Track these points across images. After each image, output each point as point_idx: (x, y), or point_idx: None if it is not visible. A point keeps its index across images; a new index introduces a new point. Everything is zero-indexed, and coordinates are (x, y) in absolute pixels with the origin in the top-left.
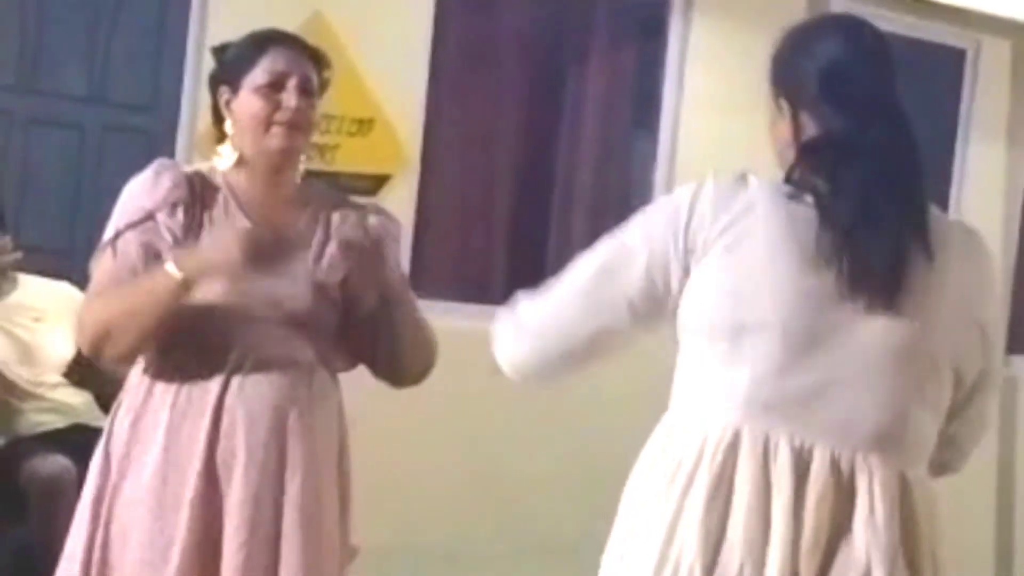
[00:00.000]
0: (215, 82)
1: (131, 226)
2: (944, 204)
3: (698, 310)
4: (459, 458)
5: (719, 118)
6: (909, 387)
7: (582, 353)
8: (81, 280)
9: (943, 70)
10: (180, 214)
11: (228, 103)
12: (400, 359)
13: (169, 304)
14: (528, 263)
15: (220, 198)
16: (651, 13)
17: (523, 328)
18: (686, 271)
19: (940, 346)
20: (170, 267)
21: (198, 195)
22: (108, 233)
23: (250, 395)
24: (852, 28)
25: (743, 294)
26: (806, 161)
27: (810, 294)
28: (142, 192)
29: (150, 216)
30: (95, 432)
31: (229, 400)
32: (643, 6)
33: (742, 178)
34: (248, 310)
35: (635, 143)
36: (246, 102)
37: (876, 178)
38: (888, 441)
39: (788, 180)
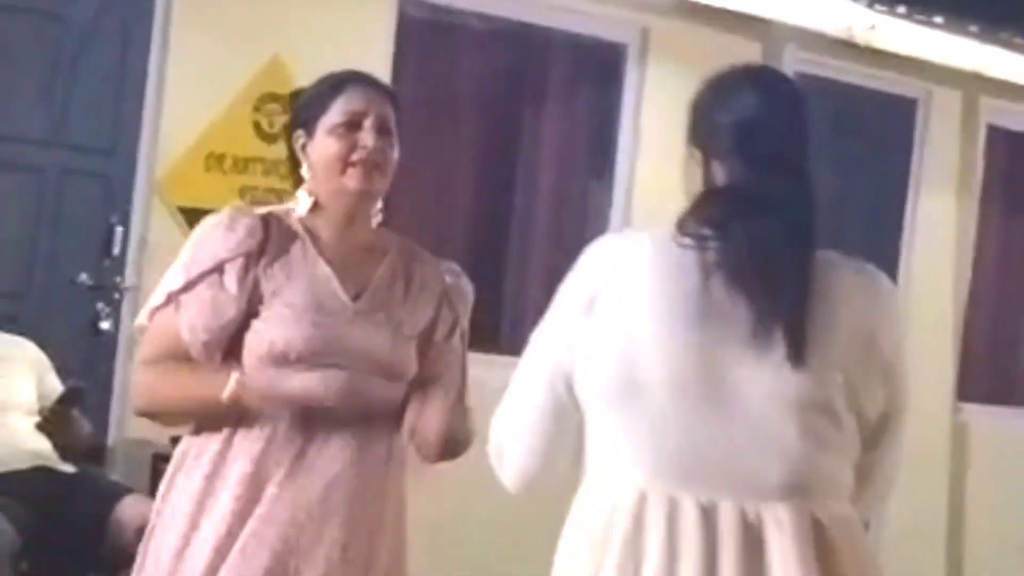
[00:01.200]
0: (291, 127)
1: (202, 276)
2: (895, 253)
3: (592, 374)
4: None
5: (674, 165)
6: (808, 434)
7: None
8: (38, 321)
9: (895, 120)
10: (253, 264)
11: (304, 147)
12: (425, 438)
13: (220, 417)
14: (484, 310)
15: (298, 244)
16: (607, 60)
17: (502, 447)
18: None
19: (836, 392)
20: (235, 384)
21: (274, 240)
22: (176, 281)
23: (334, 450)
24: (768, 82)
25: (633, 354)
26: (698, 211)
27: (701, 348)
28: (215, 239)
29: (221, 266)
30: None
31: (311, 453)
32: (599, 53)
33: (640, 233)
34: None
35: (591, 190)
36: (322, 144)
37: (766, 230)
38: (794, 489)
39: (680, 230)
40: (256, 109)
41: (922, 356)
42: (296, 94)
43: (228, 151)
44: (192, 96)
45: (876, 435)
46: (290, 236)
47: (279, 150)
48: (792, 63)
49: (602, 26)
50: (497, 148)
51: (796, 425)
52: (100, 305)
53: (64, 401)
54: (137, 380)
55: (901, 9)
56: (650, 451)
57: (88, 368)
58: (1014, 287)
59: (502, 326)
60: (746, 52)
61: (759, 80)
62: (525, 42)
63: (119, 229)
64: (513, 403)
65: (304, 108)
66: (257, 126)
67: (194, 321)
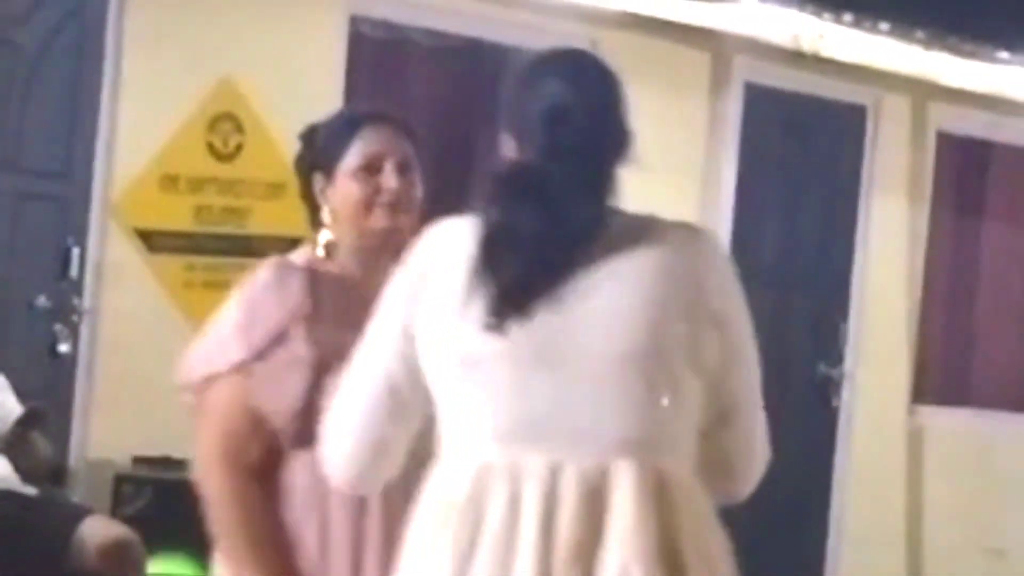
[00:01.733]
0: (307, 168)
1: (271, 341)
2: (848, 259)
3: (432, 355)
4: None
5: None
6: (641, 389)
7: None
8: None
9: (845, 127)
10: (313, 323)
11: (323, 190)
12: None
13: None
14: None
15: (336, 290)
16: None
17: (331, 445)
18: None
19: (667, 347)
20: None
21: (321, 294)
22: (238, 349)
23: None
24: (575, 66)
25: (464, 330)
26: (483, 191)
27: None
28: (270, 301)
29: (286, 330)
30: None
31: None
32: None
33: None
34: None
35: None
36: (343, 188)
37: (547, 207)
38: (635, 444)
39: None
40: (210, 129)
41: (877, 360)
42: (310, 132)
43: (182, 172)
44: (146, 117)
45: (727, 412)
46: (329, 284)
47: (233, 169)
48: (742, 73)
49: (552, 40)
50: (451, 166)
51: (629, 380)
52: (58, 327)
53: (24, 423)
54: (201, 476)
55: (848, 17)
56: (491, 421)
57: (47, 391)
58: (965, 290)
59: None
60: (695, 62)
61: (565, 64)
62: (477, 59)
63: (76, 251)
64: (344, 401)
65: (322, 151)
66: (211, 146)
67: (276, 390)
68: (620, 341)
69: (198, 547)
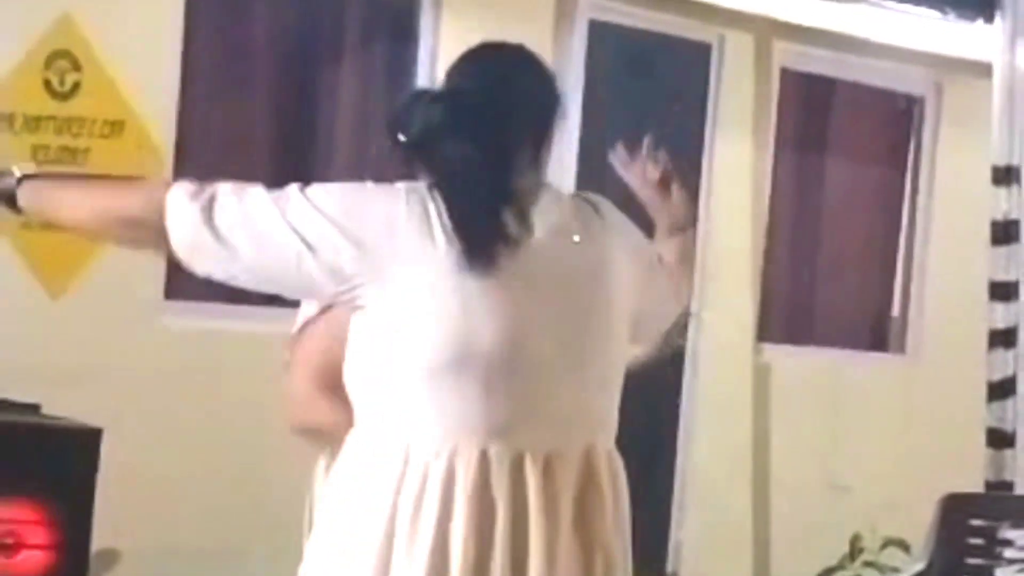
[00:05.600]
0: None
1: None
2: (694, 197)
3: (414, 346)
4: (217, 459)
5: None
6: (592, 377)
7: None
8: None
9: (689, 65)
10: None
11: None
12: None
13: None
14: None
15: None
16: (401, 14)
17: None
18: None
19: (613, 325)
20: None
21: None
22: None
23: None
24: (496, 60)
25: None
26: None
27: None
28: None
29: None
30: None
31: None
32: (394, 7)
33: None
34: None
35: (388, 145)
36: None
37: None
38: (577, 428)
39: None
40: (47, 66)
41: (722, 299)
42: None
43: (18, 110)
44: None
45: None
46: None
47: (71, 107)
48: (586, 11)
49: None
50: (293, 104)
51: (581, 371)
52: None
53: None
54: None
55: None
56: (458, 412)
57: None
58: (810, 227)
59: None
60: (539, 3)
61: (490, 57)
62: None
63: None
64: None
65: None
66: (48, 84)
67: None
68: (569, 333)
69: None
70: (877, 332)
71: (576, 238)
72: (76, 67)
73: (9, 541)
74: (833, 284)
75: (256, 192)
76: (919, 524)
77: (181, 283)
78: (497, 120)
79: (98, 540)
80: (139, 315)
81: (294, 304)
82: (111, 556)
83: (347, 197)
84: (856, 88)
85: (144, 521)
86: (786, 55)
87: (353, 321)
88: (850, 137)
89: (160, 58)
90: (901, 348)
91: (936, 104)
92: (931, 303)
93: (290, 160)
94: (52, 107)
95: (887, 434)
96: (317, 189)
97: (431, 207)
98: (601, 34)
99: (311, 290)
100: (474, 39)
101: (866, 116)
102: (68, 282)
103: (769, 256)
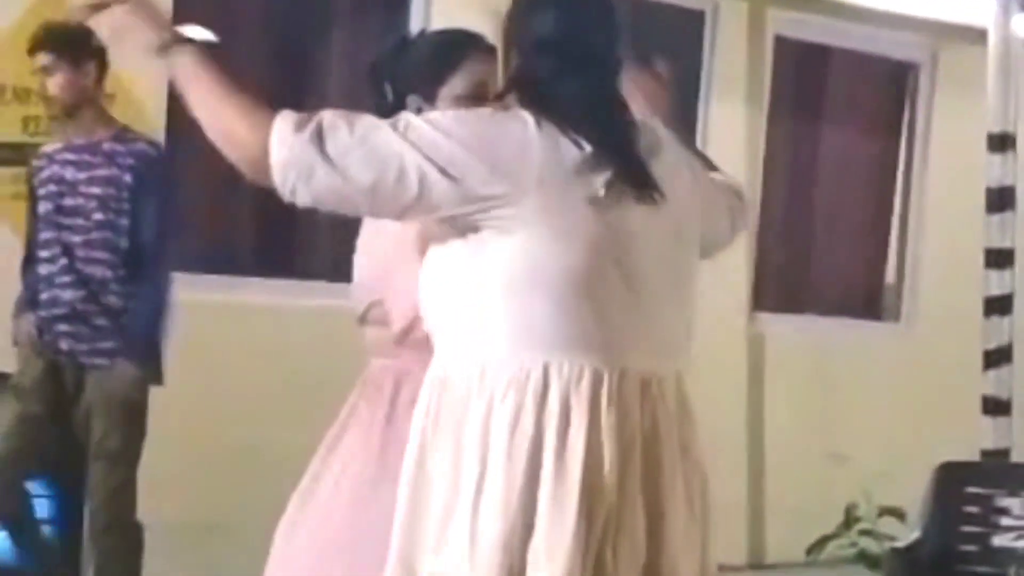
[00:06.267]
0: (394, 81)
1: None
2: None
3: (550, 259)
4: (220, 431)
5: None
6: (687, 299)
7: None
8: None
9: (683, 32)
10: None
11: (420, 111)
12: None
13: None
14: (275, 234)
15: None
16: None
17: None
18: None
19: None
20: None
21: None
22: None
23: None
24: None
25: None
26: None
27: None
28: None
29: None
30: None
31: None
32: None
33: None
34: None
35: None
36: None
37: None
38: (676, 352)
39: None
40: None
41: (716, 268)
42: (401, 45)
43: (8, 82)
44: None
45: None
46: None
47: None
48: None
49: None
50: (284, 73)
51: (681, 291)
52: None
53: None
54: None
55: None
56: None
57: None
58: (803, 195)
59: (293, 251)
60: None
61: None
62: None
63: None
64: None
65: (420, 73)
66: None
67: None
68: (669, 248)
69: None
70: (872, 300)
71: (668, 158)
72: None
73: None
74: (827, 252)
75: (368, 117)
76: (915, 493)
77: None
78: (610, 52)
79: None
80: None
81: (284, 275)
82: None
83: (476, 122)
84: (849, 55)
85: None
86: (780, 22)
87: (465, 245)
88: (845, 105)
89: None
90: (896, 316)
91: (931, 71)
92: (926, 271)
93: None
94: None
95: (882, 403)
96: (437, 115)
97: (559, 136)
98: None
99: (429, 211)
100: (464, 7)
101: (861, 83)
102: None
103: (763, 224)
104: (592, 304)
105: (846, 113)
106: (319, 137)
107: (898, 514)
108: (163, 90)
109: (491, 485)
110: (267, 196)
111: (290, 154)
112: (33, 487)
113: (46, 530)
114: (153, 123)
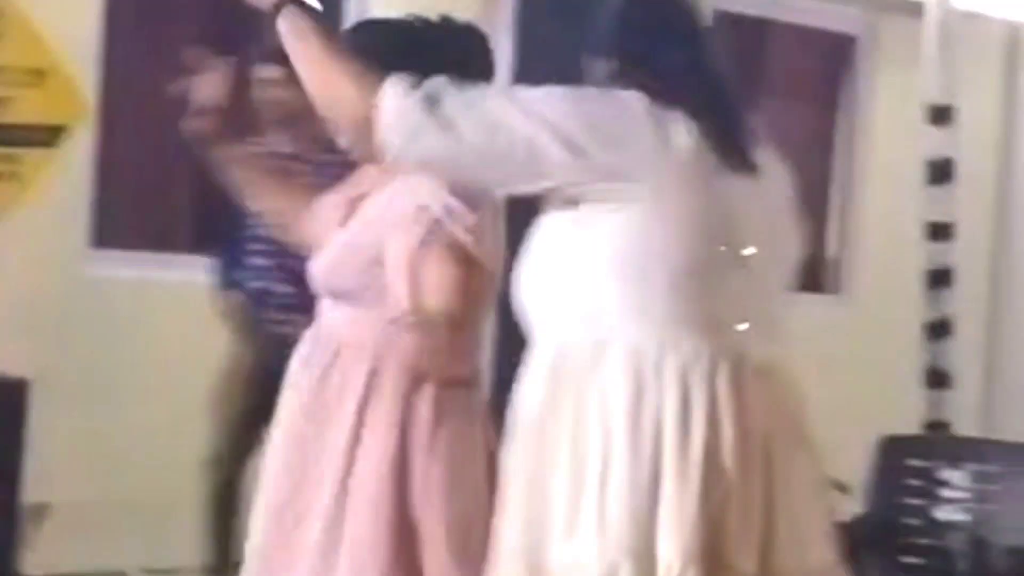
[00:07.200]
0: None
1: None
2: None
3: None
4: (147, 410)
5: None
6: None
7: None
8: None
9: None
10: None
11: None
12: None
13: None
14: (215, 210)
15: None
16: None
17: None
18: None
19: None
20: None
21: None
22: None
23: None
24: None
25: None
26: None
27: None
28: None
29: None
30: None
31: None
32: None
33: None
34: None
35: None
36: None
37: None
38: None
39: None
40: None
41: None
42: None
43: None
44: None
45: None
46: None
47: (3, 56)
48: None
49: None
50: (220, 48)
51: (783, 275)
52: None
53: None
54: None
55: None
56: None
57: None
58: None
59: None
60: None
61: None
62: None
63: None
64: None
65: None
66: None
67: None
68: (776, 235)
69: None
70: (812, 273)
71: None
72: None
73: None
74: None
75: (478, 86)
76: (857, 466)
77: (107, 232)
78: (703, 26)
79: (28, 493)
80: (65, 264)
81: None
82: (42, 509)
83: (587, 96)
84: (789, 28)
85: (74, 474)
86: None
87: (573, 222)
88: (783, 78)
89: (82, 4)
90: (836, 289)
91: (870, 44)
92: (866, 243)
93: None
94: None
95: (823, 376)
96: (547, 88)
97: (668, 115)
98: None
99: (537, 179)
100: None
101: (800, 56)
102: None
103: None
104: (705, 284)
105: (785, 86)
106: (431, 100)
107: (840, 487)
108: (95, 62)
109: (617, 462)
110: (202, 176)
111: (400, 115)
112: None
113: None
114: (84, 96)
